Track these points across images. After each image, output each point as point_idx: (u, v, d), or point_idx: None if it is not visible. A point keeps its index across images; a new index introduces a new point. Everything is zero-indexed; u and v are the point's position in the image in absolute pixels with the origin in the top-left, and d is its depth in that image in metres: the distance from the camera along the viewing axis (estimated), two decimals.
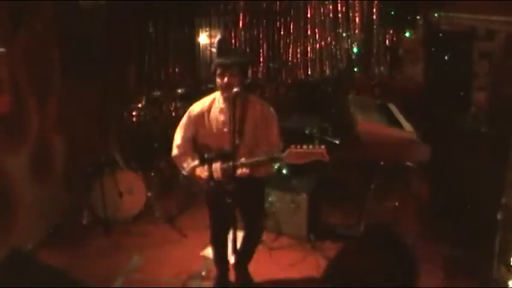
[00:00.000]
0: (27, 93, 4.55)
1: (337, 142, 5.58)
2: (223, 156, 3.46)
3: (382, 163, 4.91)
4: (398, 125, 5.06)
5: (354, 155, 5.27)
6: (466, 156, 4.91)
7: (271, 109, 3.65)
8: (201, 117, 3.59)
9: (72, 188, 5.27)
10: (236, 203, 3.47)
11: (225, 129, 3.51)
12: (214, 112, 3.58)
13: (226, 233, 3.74)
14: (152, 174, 5.63)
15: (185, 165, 3.63)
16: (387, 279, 3.26)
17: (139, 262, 4.43)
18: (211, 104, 3.60)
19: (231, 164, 3.31)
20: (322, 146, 3.30)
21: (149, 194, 5.31)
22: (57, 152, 5.08)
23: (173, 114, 5.79)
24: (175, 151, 3.70)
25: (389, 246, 3.19)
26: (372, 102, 5.75)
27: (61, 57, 5.03)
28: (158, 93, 5.90)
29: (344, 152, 5.32)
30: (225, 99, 3.51)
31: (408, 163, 5.09)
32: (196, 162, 3.57)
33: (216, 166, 3.48)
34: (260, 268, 4.18)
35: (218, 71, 3.45)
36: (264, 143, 3.55)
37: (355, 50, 7.02)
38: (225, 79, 3.41)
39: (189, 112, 3.66)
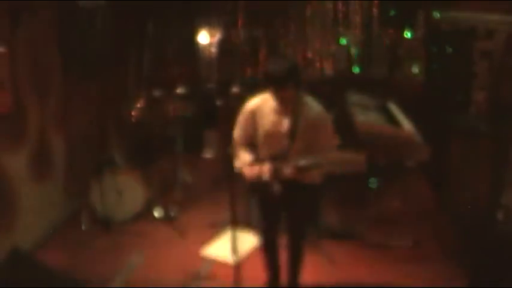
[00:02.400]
0: (28, 92, 4.54)
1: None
2: (273, 157, 3.37)
3: (382, 163, 4.91)
4: (398, 125, 5.06)
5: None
6: (465, 156, 4.91)
7: (326, 112, 3.50)
8: (253, 116, 3.47)
9: (72, 188, 5.27)
10: (284, 208, 3.52)
11: (276, 130, 3.41)
12: (266, 111, 3.46)
13: (275, 236, 3.78)
14: (152, 173, 5.63)
15: (237, 162, 3.56)
16: None
17: (139, 262, 4.43)
18: (264, 103, 3.47)
19: (279, 165, 3.27)
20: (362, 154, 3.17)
21: (149, 193, 5.31)
22: (57, 152, 5.08)
23: (173, 114, 5.78)
24: (235, 150, 3.63)
25: None
26: (371, 102, 5.75)
27: (61, 57, 5.03)
28: (158, 93, 5.89)
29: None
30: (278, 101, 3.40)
31: (408, 163, 5.10)
32: (247, 160, 3.47)
33: (265, 167, 3.35)
34: (260, 268, 4.18)
35: (272, 86, 3.28)
36: (318, 147, 3.37)
37: (355, 50, 7.02)
38: (281, 94, 3.27)
39: (243, 109, 3.57)
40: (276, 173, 3.33)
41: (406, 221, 5.11)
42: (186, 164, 5.97)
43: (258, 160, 3.41)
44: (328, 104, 6.43)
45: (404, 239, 4.73)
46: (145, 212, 5.23)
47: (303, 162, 3.26)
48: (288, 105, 3.37)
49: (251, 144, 3.52)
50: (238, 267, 3.78)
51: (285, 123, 3.40)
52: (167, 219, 5.17)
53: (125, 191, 5.11)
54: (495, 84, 5.44)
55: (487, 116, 5.33)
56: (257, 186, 3.43)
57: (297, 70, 3.38)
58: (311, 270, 4.30)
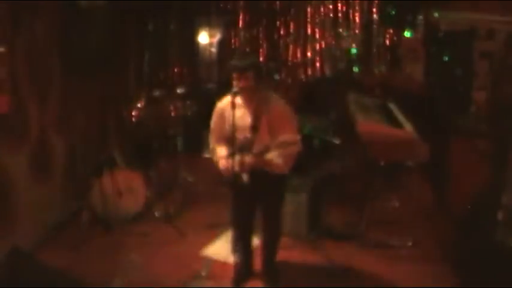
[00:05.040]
0: (27, 93, 4.54)
1: (337, 142, 5.57)
2: (240, 150, 3.63)
3: (382, 163, 4.91)
4: (399, 125, 5.06)
5: (354, 155, 5.27)
6: (465, 156, 4.91)
7: (289, 107, 3.77)
8: (223, 113, 3.78)
9: (72, 188, 5.27)
10: (255, 198, 3.81)
11: (241, 124, 3.66)
12: (234, 108, 3.71)
13: (249, 225, 4.03)
14: (152, 173, 5.63)
15: (214, 158, 3.86)
16: None
17: (139, 262, 4.43)
18: (232, 100, 3.71)
19: (245, 157, 3.57)
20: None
21: (149, 193, 5.31)
22: (57, 152, 5.08)
23: (173, 114, 5.79)
24: (210, 145, 3.96)
25: None
26: (372, 102, 5.75)
27: (61, 57, 5.03)
28: (158, 93, 5.90)
29: (344, 152, 5.32)
30: (242, 96, 3.71)
31: (408, 163, 5.10)
32: (222, 154, 3.76)
33: (235, 160, 3.61)
34: (260, 268, 4.19)
35: (234, 74, 3.63)
36: (280, 139, 3.64)
37: (355, 50, 7.02)
38: (240, 82, 3.60)
39: (216, 108, 3.88)
40: (242, 164, 3.61)
41: (406, 221, 5.11)
42: (186, 164, 5.97)
43: (230, 154, 3.68)
44: (328, 104, 6.48)
45: (404, 239, 4.73)
46: (146, 212, 5.23)
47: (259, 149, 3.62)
48: (249, 97, 3.68)
49: (226, 139, 3.78)
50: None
51: (249, 117, 3.69)
52: (167, 219, 5.17)
53: (125, 191, 5.10)
54: (495, 84, 5.44)
55: (487, 116, 5.33)
56: (229, 177, 3.68)
57: (257, 63, 3.94)
58: (311, 270, 4.31)
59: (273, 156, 3.62)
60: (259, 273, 4.16)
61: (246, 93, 3.66)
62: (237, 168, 3.61)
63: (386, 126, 4.97)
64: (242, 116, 3.70)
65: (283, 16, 7.18)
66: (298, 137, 3.69)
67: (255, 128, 3.66)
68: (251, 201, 3.90)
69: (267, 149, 3.61)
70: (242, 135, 3.68)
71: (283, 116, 3.71)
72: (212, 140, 3.93)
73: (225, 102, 3.80)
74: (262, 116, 3.66)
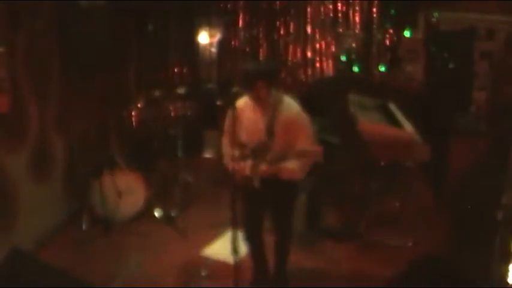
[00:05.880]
0: (27, 92, 4.54)
1: (337, 142, 5.57)
2: (254, 155, 3.57)
3: (382, 163, 4.91)
4: (398, 125, 5.06)
5: (354, 155, 5.26)
6: (465, 156, 4.91)
7: (304, 114, 3.66)
8: (240, 114, 3.65)
9: (72, 187, 5.27)
10: (265, 203, 3.75)
11: (255, 128, 3.61)
12: (248, 110, 3.66)
13: (258, 230, 3.96)
14: (152, 174, 5.63)
15: (224, 160, 3.79)
16: None
17: (139, 262, 4.43)
18: (247, 103, 3.68)
19: (258, 162, 3.50)
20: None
21: (149, 193, 5.31)
22: (57, 152, 5.08)
23: (173, 114, 5.79)
24: (222, 148, 3.89)
25: None
26: (372, 102, 5.75)
27: (61, 57, 5.02)
28: (158, 93, 5.90)
29: (344, 152, 5.32)
30: (255, 100, 3.64)
31: (408, 163, 5.10)
32: (235, 157, 3.65)
33: (247, 163, 3.57)
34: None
35: (247, 81, 3.57)
36: (295, 147, 3.56)
37: (355, 50, 7.01)
38: (252, 94, 3.55)
39: (232, 109, 3.74)
40: (255, 169, 3.53)
41: (406, 221, 5.11)
42: (186, 164, 5.97)
43: (242, 157, 3.61)
44: (328, 104, 6.47)
45: (404, 239, 4.73)
46: (146, 212, 5.23)
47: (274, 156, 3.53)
48: (263, 104, 3.59)
49: (239, 141, 3.69)
50: (238, 267, 3.78)
51: (263, 122, 3.59)
52: (167, 219, 5.17)
53: (125, 191, 5.11)
54: (495, 84, 5.44)
55: (487, 116, 5.33)
56: (240, 181, 3.61)
57: (268, 71, 3.66)
58: (311, 270, 4.31)
59: (293, 165, 3.52)
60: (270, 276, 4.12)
61: (259, 98, 3.58)
62: (248, 172, 3.55)
63: (386, 126, 4.97)
64: (256, 119, 3.63)
65: (283, 16, 7.17)
66: (320, 148, 3.56)
67: (269, 133, 3.56)
68: (261, 204, 3.84)
69: (282, 156, 3.51)
70: (256, 139, 3.60)
71: (298, 121, 3.61)
72: (225, 141, 3.83)
73: (242, 103, 3.70)
74: (276, 121, 3.57)
